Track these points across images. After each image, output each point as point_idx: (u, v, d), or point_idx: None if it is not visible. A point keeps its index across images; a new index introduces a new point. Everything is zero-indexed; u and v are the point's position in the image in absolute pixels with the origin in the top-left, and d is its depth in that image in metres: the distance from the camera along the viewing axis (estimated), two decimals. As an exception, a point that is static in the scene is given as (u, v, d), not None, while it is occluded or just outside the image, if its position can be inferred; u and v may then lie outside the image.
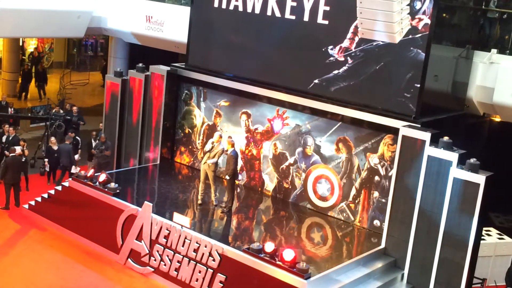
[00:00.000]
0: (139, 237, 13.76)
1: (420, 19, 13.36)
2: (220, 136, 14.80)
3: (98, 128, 19.15)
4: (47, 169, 18.19)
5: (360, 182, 14.58)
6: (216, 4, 16.64)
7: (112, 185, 14.65)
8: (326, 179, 15.14)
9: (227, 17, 16.50)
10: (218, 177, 15.18)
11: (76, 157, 18.53)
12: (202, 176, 14.93)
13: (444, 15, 14.01)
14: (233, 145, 14.61)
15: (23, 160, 17.09)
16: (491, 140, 16.10)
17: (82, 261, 14.00)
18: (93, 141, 18.37)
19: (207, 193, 15.06)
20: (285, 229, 14.61)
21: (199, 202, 14.95)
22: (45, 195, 15.73)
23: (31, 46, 31.08)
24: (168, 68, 17.42)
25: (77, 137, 19.04)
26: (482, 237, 13.82)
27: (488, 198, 12.18)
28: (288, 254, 11.94)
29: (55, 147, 18.04)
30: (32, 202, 15.93)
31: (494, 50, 14.40)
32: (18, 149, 16.76)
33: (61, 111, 20.48)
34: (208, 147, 14.70)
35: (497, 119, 15.53)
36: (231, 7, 16.33)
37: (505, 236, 15.08)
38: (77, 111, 20.71)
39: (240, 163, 15.71)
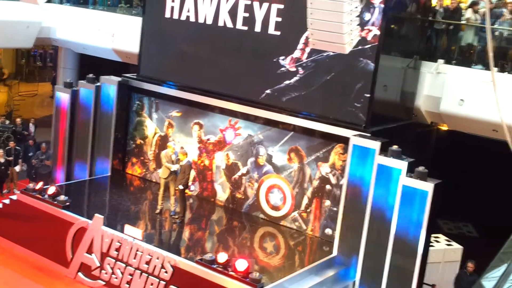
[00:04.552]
0: (89, 250, 13.54)
1: (370, 30, 13.58)
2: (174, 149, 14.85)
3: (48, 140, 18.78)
4: (-6, 182, 17.85)
5: (312, 191, 14.68)
6: (168, 15, 16.58)
7: (62, 197, 14.40)
8: (278, 189, 15.20)
9: (179, 27, 16.45)
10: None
11: (18, 168, 18.20)
12: (162, 188, 14.85)
13: (392, 26, 14.26)
14: (186, 155, 14.61)
15: None
16: (439, 148, 16.42)
17: (31, 276, 13.69)
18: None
19: (164, 203, 14.95)
20: (238, 239, 14.60)
21: (157, 211, 14.86)
22: (-8, 209, 15.39)
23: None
24: (120, 79, 17.25)
25: (17, 147, 18.63)
26: (431, 244, 14.08)
27: (437, 205, 12.40)
28: (241, 264, 11.94)
29: (2, 160, 17.69)
30: (-21, 216, 15.54)
31: (440, 61, 14.75)
32: None
33: (7, 122, 20.05)
34: (166, 159, 14.66)
35: (444, 127, 15.86)
36: (183, 18, 16.30)
37: (453, 243, 15.38)
38: (20, 122, 20.33)
39: (192, 173, 15.65)
